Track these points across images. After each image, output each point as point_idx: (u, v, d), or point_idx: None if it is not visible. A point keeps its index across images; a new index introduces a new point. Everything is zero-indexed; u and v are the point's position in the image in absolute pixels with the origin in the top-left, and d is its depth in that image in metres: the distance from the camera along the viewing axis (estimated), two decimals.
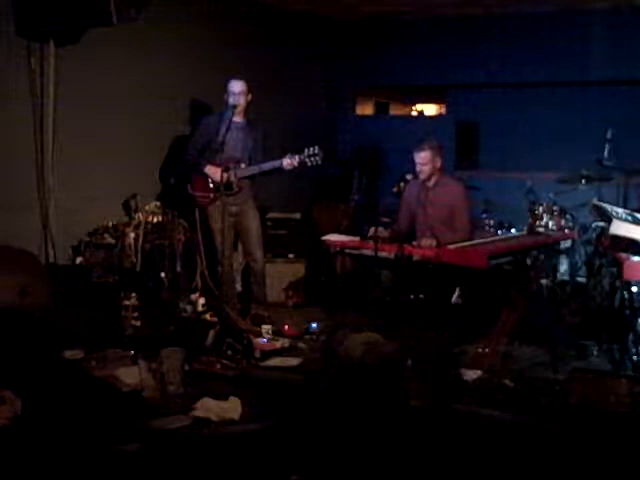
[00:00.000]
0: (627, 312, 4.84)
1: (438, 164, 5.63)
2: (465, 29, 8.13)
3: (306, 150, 5.59)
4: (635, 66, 7.34)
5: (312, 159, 5.58)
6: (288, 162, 5.59)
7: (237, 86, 5.65)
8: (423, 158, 5.55)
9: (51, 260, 5.28)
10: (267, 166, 5.68)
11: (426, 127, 8.58)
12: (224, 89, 5.66)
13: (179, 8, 6.29)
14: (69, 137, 5.39)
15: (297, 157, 5.59)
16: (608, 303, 5.07)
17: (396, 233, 5.55)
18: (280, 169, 5.66)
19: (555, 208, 6.29)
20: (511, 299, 4.86)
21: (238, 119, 5.69)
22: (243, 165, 5.73)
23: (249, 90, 5.69)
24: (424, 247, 5.22)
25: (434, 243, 5.24)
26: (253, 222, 5.94)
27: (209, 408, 3.89)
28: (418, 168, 5.58)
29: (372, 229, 5.29)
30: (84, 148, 5.56)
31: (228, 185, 5.67)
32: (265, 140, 5.88)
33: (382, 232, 5.36)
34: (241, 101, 5.65)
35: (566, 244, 6.27)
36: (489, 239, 5.76)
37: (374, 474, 3.24)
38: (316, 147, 5.59)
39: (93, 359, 4.60)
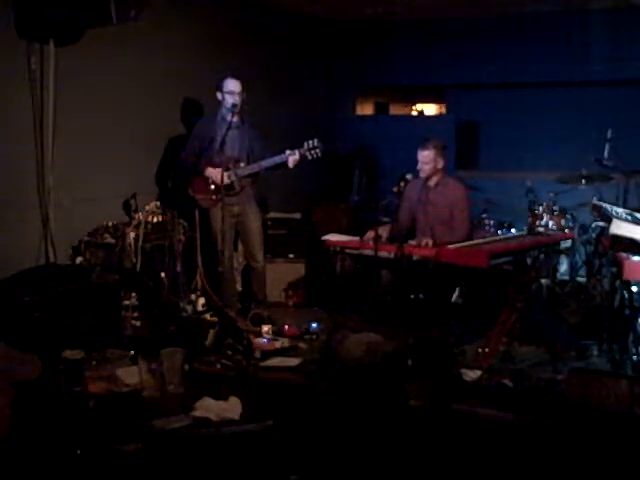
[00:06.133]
0: (627, 312, 4.83)
1: (440, 164, 5.63)
2: (465, 29, 8.13)
3: (305, 144, 5.58)
4: (635, 66, 7.34)
5: (312, 152, 5.57)
6: (292, 159, 5.57)
7: (237, 85, 5.65)
8: (425, 157, 5.56)
9: (51, 260, 5.27)
10: (267, 163, 5.68)
11: (426, 127, 8.58)
12: (219, 88, 5.67)
13: (179, 8, 6.29)
14: (69, 137, 5.38)
15: (297, 152, 5.58)
16: (608, 303, 5.06)
17: (396, 231, 5.55)
18: (281, 164, 5.65)
19: (555, 208, 6.29)
20: (511, 299, 4.86)
21: (235, 118, 5.70)
22: (242, 164, 5.73)
23: (243, 88, 5.71)
24: (421, 246, 5.23)
25: (430, 242, 5.24)
26: (254, 222, 5.94)
27: (209, 408, 3.89)
28: (419, 166, 5.59)
29: (371, 232, 5.26)
30: (84, 148, 5.55)
31: (229, 185, 5.67)
32: (263, 138, 5.88)
33: (382, 230, 5.35)
34: (239, 100, 5.66)
35: (566, 244, 6.27)
36: (489, 239, 5.76)
37: (374, 474, 3.24)
38: (315, 140, 5.58)
39: (93, 359, 4.60)
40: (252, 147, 5.80)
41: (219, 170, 5.59)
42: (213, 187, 5.72)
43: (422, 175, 5.62)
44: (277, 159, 5.63)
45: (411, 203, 5.79)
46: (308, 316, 5.83)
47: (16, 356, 3.94)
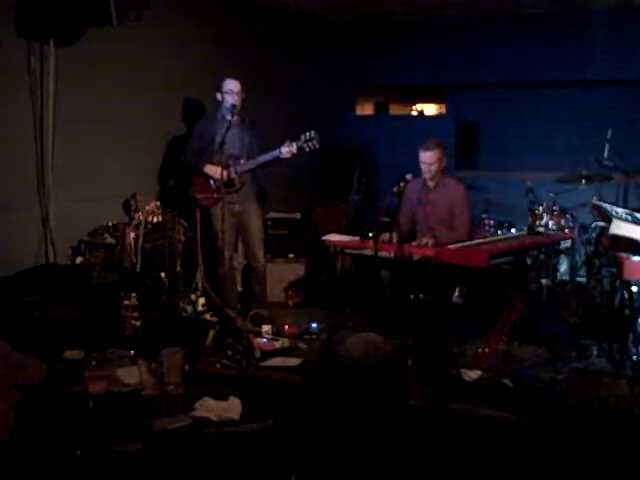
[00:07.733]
0: (627, 312, 4.83)
1: (444, 163, 5.62)
2: (465, 29, 8.13)
3: (303, 136, 5.59)
4: (635, 66, 7.34)
5: (310, 144, 5.58)
6: (287, 150, 5.58)
7: (236, 85, 5.67)
8: (430, 157, 5.54)
9: (51, 260, 5.27)
10: (265, 158, 5.68)
11: (426, 127, 8.58)
12: (218, 89, 5.68)
13: (179, 8, 6.30)
14: (69, 137, 5.39)
15: (294, 144, 5.59)
16: (608, 303, 5.06)
17: (399, 234, 5.54)
18: (279, 159, 5.65)
19: (555, 208, 6.29)
20: (511, 299, 4.86)
21: (235, 117, 5.70)
22: (242, 161, 5.74)
23: (243, 88, 5.72)
24: (422, 246, 5.22)
25: (431, 242, 5.24)
26: (255, 221, 5.94)
27: (209, 408, 3.89)
28: (425, 167, 5.56)
29: (385, 235, 5.23)
30: (84, 148, 5.55)
31: (229, 182, 5.67)
32: (264, 138, 5.89)
33: (392, 235, 5.35)
34: (239, 100, 5.67)
35: (566, 244, 6.27)
36: (489, 239, 5.76)
37: (374, 474, 3.24)
38: (312, 132, 5.59)
39: (93, 359, 4.60)
40: (252, 146, 5.81)
41: (219, 167, 5.59)
42: (214, 185, 5.72)
43: (427, 176, 5.59)
44: (275, 153, 5.64)
45: (411, 204, 5.78)
46: (308, 316, 5.83)
47: (20, 359, 3.94)
